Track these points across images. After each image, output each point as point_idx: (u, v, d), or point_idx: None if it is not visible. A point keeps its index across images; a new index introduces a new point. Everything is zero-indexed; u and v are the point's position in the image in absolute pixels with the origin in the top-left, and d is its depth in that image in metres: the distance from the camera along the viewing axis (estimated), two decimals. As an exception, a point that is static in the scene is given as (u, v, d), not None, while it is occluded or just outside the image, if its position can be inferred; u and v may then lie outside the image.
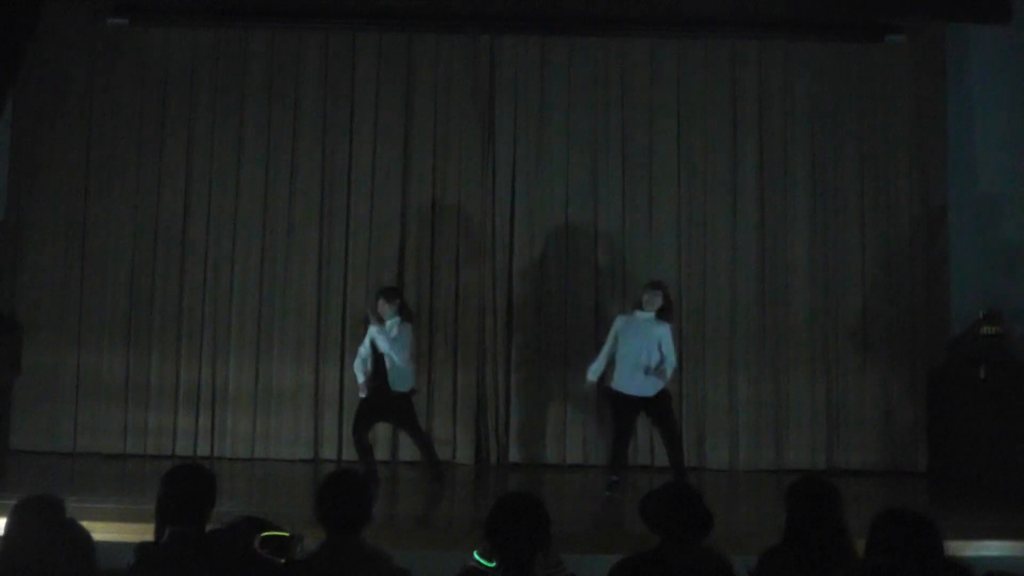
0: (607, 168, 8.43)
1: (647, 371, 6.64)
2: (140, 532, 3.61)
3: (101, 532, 3.11)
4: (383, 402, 6.83)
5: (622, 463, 6.88)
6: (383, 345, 6.75)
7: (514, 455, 8.18)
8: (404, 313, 6.93)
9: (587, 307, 8.27)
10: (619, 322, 6.90)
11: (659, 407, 6.75)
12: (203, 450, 8.14)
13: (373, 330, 6.86)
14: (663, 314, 6.79)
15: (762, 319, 8.30)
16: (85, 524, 3.14)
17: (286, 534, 3.18)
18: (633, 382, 6.69)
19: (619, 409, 6.81)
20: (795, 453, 8.15)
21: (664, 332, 6.75)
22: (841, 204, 8.40)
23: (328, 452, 8.17)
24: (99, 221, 8.36)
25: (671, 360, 6.75)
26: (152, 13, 8.29)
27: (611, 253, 8.36)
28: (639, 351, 6.66)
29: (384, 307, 6.85)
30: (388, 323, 6.81)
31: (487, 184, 8.39)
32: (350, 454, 7.64)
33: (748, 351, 8.26)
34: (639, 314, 6.80)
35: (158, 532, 3.14)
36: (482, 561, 2.99)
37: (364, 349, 6.97)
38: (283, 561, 3.12)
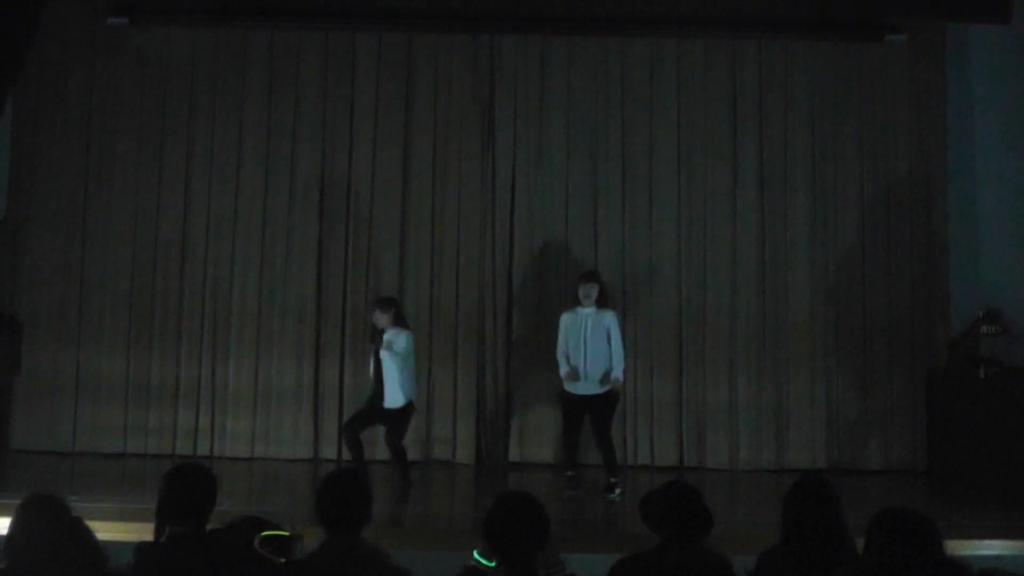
0: (607, 168, 8.44)
1: (599, 376, 6.70)
2: (140, 532, 3.61)
3: (101, 532, 3.10)
4: (382, 411, 6.84)
5: (574, 460, 7.02)
6: (393, 363, 6.69)
7: (514, 455, 8.19)
8: (401, 322, 6.89)
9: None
10: (564, 320, 6.93)
11: (599, 407, 6.79)
12: (203, 450, 8.14)
13: (384, 353, 6.74)
14: (602, 302, 6.87)
15: (762, 319, 8.31)
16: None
17: (286, 534, 3.19)
18: (579, 381, 6.77)
19: (566, 409, 6.94)
20: (795, 453, 8.16)
21: (611, 321, 6.83)
22: (841, 204, 8.41)
23: (328, 452, 8.17)
24: (99, 221, 8.37)
25: (619, 353, 6.80)
26: (152, 13, 8.29)
27: (611, 253, 8.36)
28: (586, 347, 6.72)
29: (380, 318, 6.83)
30: (388, 336, 6.75)
31: (487, 184, 8.39)
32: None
33: (748, 351, 8.27)
34: (580, 309, 6.85)
35: (158, 532, 3.14)
36: (482, 561, 2.99)
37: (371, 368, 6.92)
38: (283, 561, 3.13)
